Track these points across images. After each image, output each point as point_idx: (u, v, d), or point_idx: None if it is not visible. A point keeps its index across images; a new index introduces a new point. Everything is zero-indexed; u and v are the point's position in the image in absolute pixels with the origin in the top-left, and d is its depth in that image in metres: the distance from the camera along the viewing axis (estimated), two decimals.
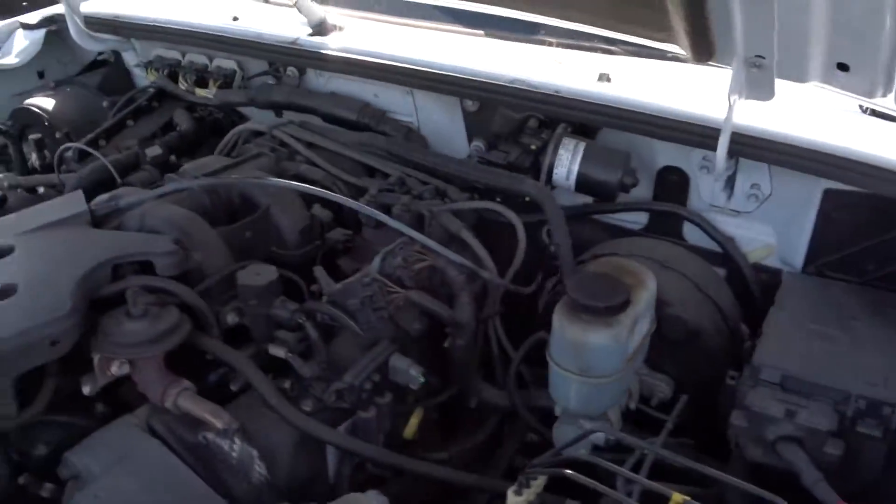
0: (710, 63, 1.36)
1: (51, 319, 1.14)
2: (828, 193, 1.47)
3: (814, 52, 1.21)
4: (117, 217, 1.43)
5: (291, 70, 1.97)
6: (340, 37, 1.92)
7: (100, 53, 2.53)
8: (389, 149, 1.72)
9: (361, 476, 1.42)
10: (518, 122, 1.72)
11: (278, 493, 1.24)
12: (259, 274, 1.35)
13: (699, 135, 1.50)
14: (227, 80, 2.06)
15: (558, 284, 1.66)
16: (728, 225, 1.66)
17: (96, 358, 1.23)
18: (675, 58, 1.52)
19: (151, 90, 2.26)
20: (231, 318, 1.37)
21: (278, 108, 1.95)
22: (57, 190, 1.94)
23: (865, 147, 1.40)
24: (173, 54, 2.17)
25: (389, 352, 1.36)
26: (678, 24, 1.28)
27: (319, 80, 1.98)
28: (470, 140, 1.84)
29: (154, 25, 2.10)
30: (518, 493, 1.18)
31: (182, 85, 2.09)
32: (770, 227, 1.62)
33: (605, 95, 1.60)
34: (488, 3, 1.62)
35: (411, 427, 1.41)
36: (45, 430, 1.32)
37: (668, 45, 1.41)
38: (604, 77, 1.64)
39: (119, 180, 1.83)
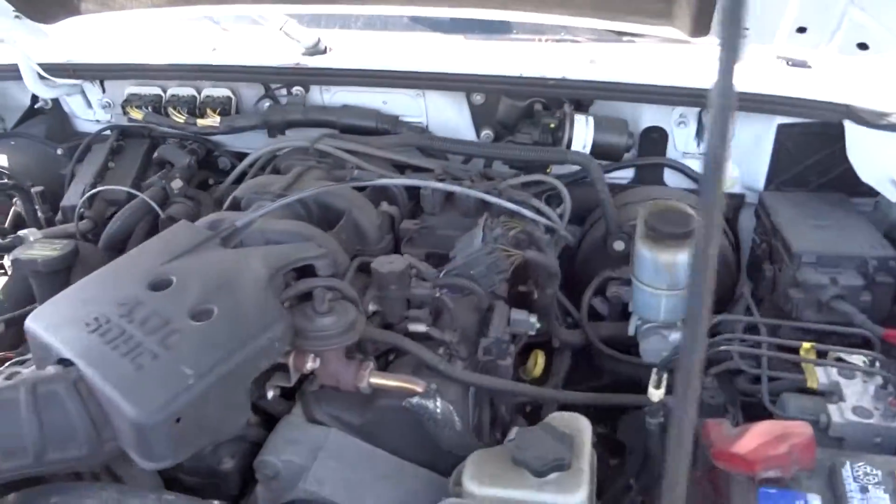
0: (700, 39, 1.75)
1: (270, 323, 1.24)
2: (781, 127, 1.94)
3: (783, 21, 1.64)
4: (236, 237, 1.51)
5: (298, 89, 2.09)
6: (340, 53, 2.08)
7: (34, 103, 2.43)
8: (431, 144, 1.93)
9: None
10: (523, 109, 2.02)
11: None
12: (391, 262, 1.52)
13: (684, 95, 1.91)
14: (224, 108, 2.12)
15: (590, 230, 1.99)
16: (698, 167, 2.09)
17: (291, 356, 1.33)
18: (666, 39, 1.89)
19: (109, 132, 2.26)
20: (371, 306, 1.52)
21: (294, 127, 2.07)
22: (81, 237, 1.90)
23: (803, 88, 1.88)
24: (152, 90, 2.17)
25: (509, 307, 1.60)
26: (683, 8, 1.65)
27: (325, 96, 2.12)
28: (477, 131, 2.10)
29: (141, 64, 2.10)
30: (657, 387, 1.48)
31: (176, 118, 2.11)
32: (733, 163, 2.07)
33: (601, 75, 1.95)
34: (491, 7, 1.88)
35: (539, 367, 1.65)
36: (229, 444, 1.38)
37: (664, 28, 1.77)
38: (593, 61, 1.99)
39: (162, 215, 1.86)
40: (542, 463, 1.18)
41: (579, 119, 1.94)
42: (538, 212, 1.75)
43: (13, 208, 2.02)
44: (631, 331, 1.76)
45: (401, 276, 1.50)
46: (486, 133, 2.07)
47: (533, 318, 1.60)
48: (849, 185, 1.88)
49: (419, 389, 1.35)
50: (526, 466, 1.19)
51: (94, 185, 2.01)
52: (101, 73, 2.18)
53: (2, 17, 2.02)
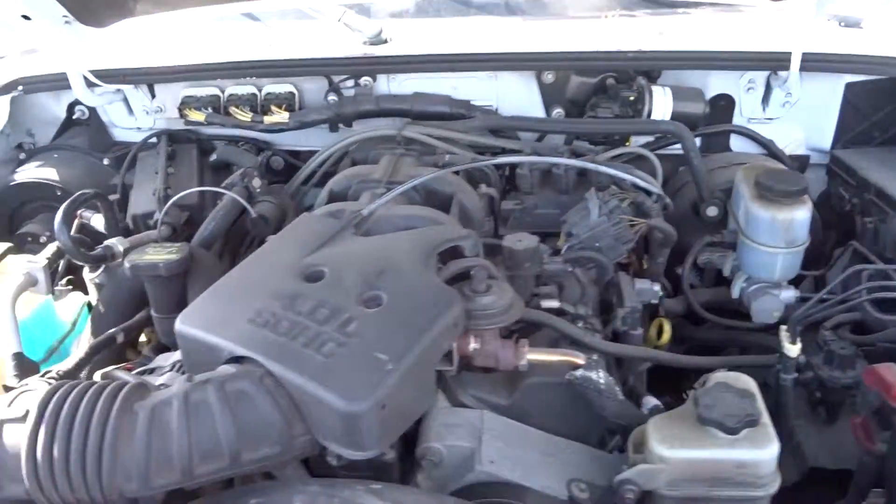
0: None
1: (448, 303, 1.21)
2: (849, 85, 1.99)
3: None
4: (364, 225, 1.47)
5: (366, 79, 2.05)
6: (404, 41, 2.05)
7: (71, 114, 2.33)
8: (518, 125, 1.93)
9: None
10: (594, 85, 2.03)
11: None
12: (521, 240, 1.50)
13: (755, 60, 1.95)
14: (289, 104, 2.06)
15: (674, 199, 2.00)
16: (764, 131, 2.13)
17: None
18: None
19: (154, 139, 2.20)
20: None
21: (367, 117, 2.02)
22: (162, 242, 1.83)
23: (864, 45, 1.94)
24: (209, 91, 2.10)
25: (630, 277, 1.60)
26: None
27: (391, 86, 2.08)
28: (547, 110, 2.10)
29: (200, 64, 2.03)
30: (793, 342, 1.50)
31: (241, 117, 2.04)
32: (797, 125, 2.12)
33: (675, 45, 1.97)
34: None
35: (666, 334, 1.66)
36: None
37: None
38: (661, 33, 2.01)
39: (253, 214, 1.80)
40: (736, 420, 1.18)
41: (657, 90, 1.95)
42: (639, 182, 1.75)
43: (77, 220, 1.93)
44: (735, 293, 1.78)
45: (534, 254, 1.49)
46: (558, 112, 2.07)
47: (656, 287, 1.61)
48: None
49: (581, 362, 1.34)
50: (717, 425, 1.19)
51: (165, 191, 1.93)
52: (154, 77, 2.10)
53: (51, 22, 1.92)
